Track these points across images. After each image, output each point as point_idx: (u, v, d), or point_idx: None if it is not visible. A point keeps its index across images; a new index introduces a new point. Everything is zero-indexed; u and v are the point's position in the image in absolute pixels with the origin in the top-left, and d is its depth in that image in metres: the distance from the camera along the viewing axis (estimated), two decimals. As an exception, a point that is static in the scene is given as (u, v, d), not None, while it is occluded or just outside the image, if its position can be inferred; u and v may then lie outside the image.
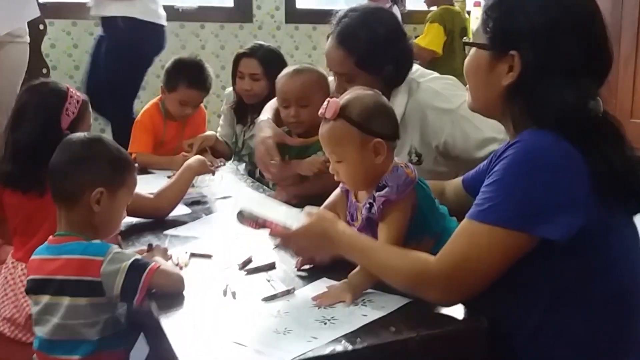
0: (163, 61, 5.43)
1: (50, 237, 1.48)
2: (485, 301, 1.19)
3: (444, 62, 4.31)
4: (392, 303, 1.26)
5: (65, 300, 1.39)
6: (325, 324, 1.20)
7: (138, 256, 1.40)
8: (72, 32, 5.54)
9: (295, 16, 6.12)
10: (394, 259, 1.26)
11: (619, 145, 1.21)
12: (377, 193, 1.34)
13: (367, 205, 1.36)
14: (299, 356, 1.08)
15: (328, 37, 2.03)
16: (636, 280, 1.25)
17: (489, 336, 1.18)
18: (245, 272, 1.44)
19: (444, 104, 1.95)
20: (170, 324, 1.22)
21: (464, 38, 1.21)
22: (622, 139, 1.22)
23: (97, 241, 1.43)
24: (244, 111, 3.10)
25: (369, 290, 1.31)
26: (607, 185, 1.16)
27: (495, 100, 1.27)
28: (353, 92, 1.42)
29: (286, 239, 1.40)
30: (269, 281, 1.39)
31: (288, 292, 1.33)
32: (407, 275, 1.23)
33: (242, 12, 5.92)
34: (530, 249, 1.15)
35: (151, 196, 1.96)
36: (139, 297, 1.34)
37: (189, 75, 2.93)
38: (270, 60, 2.97)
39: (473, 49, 1.31)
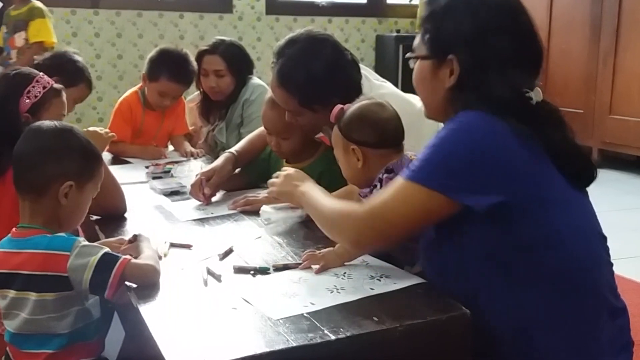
0: (141, 51, 5.42)
1: (14, 229, 1.42)
2: (459, 288, 1.26)
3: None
4: (404, 281, 1.32)
5: (32, 296, 1.34)
6: (331, 292, 1.28)
7: (107, 249, 1.36)
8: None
9: (275, 7, 6.10)
10: (329, 200, 1.43)
11: (559, 128, 1.30)
12: (385, 175, 1.47)
13: (370, 188, 1.50)
14: (287, 316, 1.15)
15: (272, 68, 1.92)
16: (591, 255, 1.28)
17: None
18: (235, 270, 1.41)
19: None
20: (149, 310, 1.21)
21: (407, 54, 1.27)
22: (563, 122, 1.32)
23: (62, 234, 1.38)
24: (211, 109, 3.06)
25: (388, 266, 1.40)
26: (550, 162, 1.26)
27: (442, 103, 1.37)
28: (358, 100, 1.59)
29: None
30: (253, 274, 1.37)
31: (298, 264, 1.41)
32: (332, 212, 1.38)
33: (222, 3, 5.89)
34: (451, 213, 1.23)
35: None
36: (109, 291, 1.31)
37: (172, 68, 2.88)
38: (232, 55, 2.93)
39: (418, 62, 1.41)
